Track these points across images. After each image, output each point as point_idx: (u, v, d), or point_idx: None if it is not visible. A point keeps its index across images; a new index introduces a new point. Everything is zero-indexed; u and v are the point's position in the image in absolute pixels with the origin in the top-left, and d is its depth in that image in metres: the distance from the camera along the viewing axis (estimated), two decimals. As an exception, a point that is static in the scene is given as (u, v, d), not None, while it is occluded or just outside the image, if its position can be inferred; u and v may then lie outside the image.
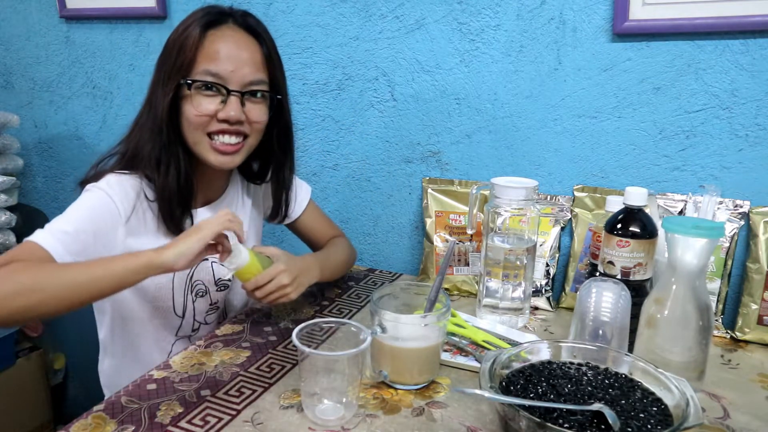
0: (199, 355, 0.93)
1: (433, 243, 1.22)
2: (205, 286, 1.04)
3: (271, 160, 1.04)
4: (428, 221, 1.23)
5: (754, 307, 0.99)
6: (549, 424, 0.63)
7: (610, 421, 0.66)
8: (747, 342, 1.00)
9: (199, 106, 0.89)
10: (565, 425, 0.66)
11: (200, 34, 0.88)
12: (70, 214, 0.86)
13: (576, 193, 1.16)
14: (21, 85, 1.75)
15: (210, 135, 0.91)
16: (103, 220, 0.88)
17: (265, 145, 1.00)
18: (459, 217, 1.20)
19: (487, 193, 1.15)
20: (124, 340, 1.04)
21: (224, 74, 0.88)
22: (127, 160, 0.93)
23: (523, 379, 0.75)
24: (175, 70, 0.88)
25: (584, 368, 0.78)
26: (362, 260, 1.43)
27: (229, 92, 0.89)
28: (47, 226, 0.84)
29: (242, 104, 0.90)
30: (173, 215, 0.93)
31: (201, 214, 1.00)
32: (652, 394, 0.73)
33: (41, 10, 1.65)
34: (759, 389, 0.85)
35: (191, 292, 1.02)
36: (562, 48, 1.13)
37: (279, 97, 0.96)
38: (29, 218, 1.65)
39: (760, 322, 0.98)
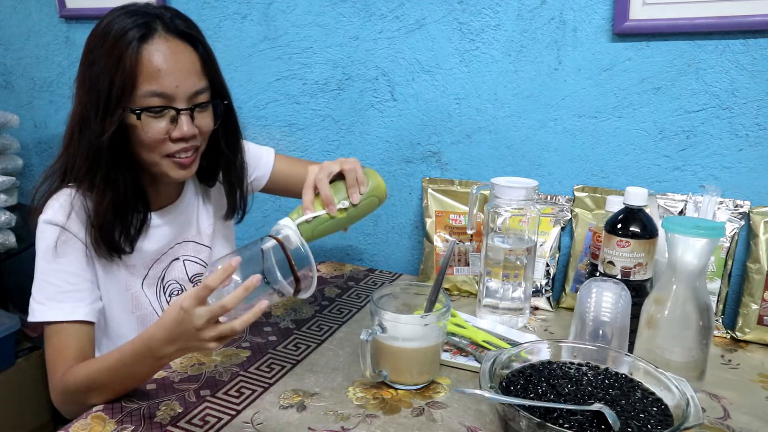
0: (198, 354, 0.93)
1: (433, 243, 1.22)
2: (180, 285, 1.02)
3: (220, 161, 1.00)
4: (428, 221, 1.23)
5: (755, 307, 0.99)
6: (549, 424, 0.63)
7: (610, 421, 0.66)
8: (747, 342, 1.00)
9: (151, 130, 0.85)
10: (565, 425, 0.66)
11: (136, 53, 0.82)
12: (46, 273, 0.87)
13: (576, 193, 1.16)
14: (21, 85, 1.75)
15: (166, 155, 0.88)
16: (80, 257, 0.89)
17: (212, 145, 0.96)
18: (459, 217, 1.20)
19: (487, 193, 1.15)
20: None
21: (169, 92, 0.84)
22: (63, 175, 0.90)
23: (523, 380, 0.75)
24: (116, 95, 0.82)
25: (584, 368, 0.78)
26: (362, 260, 1.43)
27: (178, 112, 0.85)
28: (40, 297, 0.86)
29: (192, 118, 0.87)
30: (109, 240, 0.90)
31: (155, 218, 0.97)
32: (653, 394, 0.73)
33: (41, 10, 1.65)
34: (759, 389, 0.85)
35: (164, 293, 1.00)
36: (562, 48, 1.13)
37: (226, 102, 0.93)
38: (29, 218, 1.65)
39: (761, 322, 0.98)
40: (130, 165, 0.89)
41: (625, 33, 1.06)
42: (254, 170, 1.13)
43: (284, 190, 1.18)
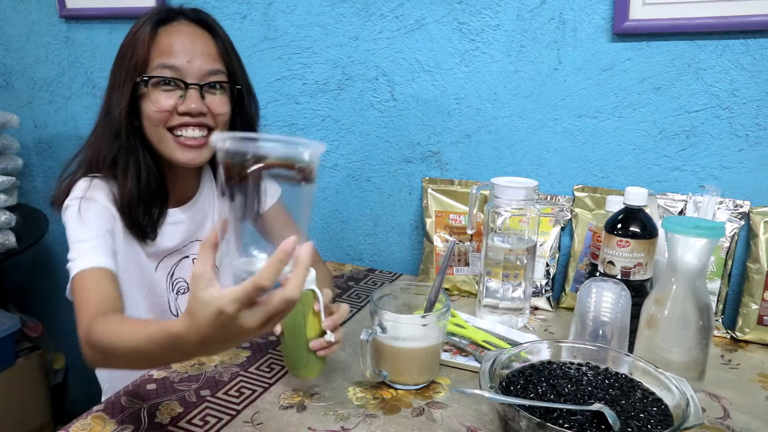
0: (198, 355, 0.93)
1: (433, 243, 1.22)
2: (187, 283, 1.02)
3: None
4: (428, 221, 1.23)
5: (755, 307, 0.99)
6: (549, 424, 0.63)
7: (610, 421, 0.66)
8: (747, 342, 1.00)
9: (158, 102, 0.87)
10: (565, 425, 0.66)
11: (151, 32, 0.88)
12: (76, 233, 0.86)
13: (576, 193, 1.16)
14: (21, 85, 1.75)
15: (172, 131, 0.89)
16: (102, 221, 0.88)
17: None
18: (459, 217, 1.20)
19: (487, 193, 1.15)
20: None
21: (181, 66, 0.87)
22: (88, 166, 0.92)
23: (523, 380, 0.75)
24: (131, 70, 0.87)
25: (584, 368, 0.78)
26: (362, 260, 1.43)
27: (187, 86, 0.88)
28: (70, 259, 0.84)
29: (202, 97, 0.89)
30: (135, 222, 0.91)
31: (173, 214, 0.98)
32: (653, 394, 0.73)
33: (41, 10, 1.64)
34: (759, 389, 0.85)
35: (173, 291, 1.01)
36: (562, 48, 1.13)
37: (239, 87, 0.94)
38: (29, 218, 1.65)
39: (761, 322, 0.98)
40: (150, 149, 0.91)
41: (625, 33, 1.06)
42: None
43: (264, 233, 1.08)
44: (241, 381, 0.86)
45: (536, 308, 1.12)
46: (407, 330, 0.80)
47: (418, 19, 1.23)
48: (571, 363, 0.79)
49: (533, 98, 1.17)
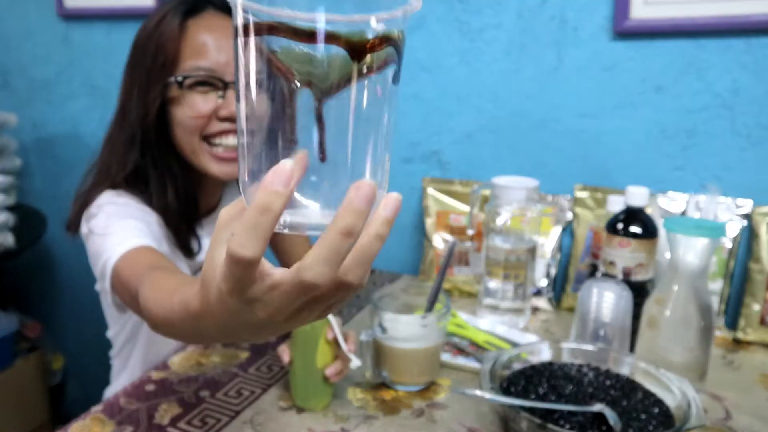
0: (197, 355, 0.93)
1: (433, 243, 1.22)
2: None
3: None
4: (428, 221, 1.23)
5: (757, 307, 0.98)
6: (550, 425, 0.63)
7: (611, 423, 0.65)
8: (749, 343, 0.99)
9: (195, 106, 0.77)
10: (566, 426, 0.66)
11: (180, 26, 0.77)
12: (104, 233, 0.75)
13: (577, 193, 1.15)
14: (19, 85, 1.74)
15: (208, 139, 0.80)
16: (140, 221, 0.78)
17: None
18: (459, 217, 1.20)
19: (487, 192, 1.15)
20: (143, 361, 0.97)
21: (217, 67, 0.77)
22: (104, 183, 0.83)
23: (524, 380, 0.75)
24: (157, 70, 0.77)
25: (585, 369, 0.78)
26: (362, 260, 1.42)
27: (227, 85, 0.77)
28: (103, 254, 0.74)
29: None
30: (181, 237, 0.85)
31: (204, 225, 0.92)
32: (654, 395, 0.72)
33: (39, 9, 1.64)
34: (761, 390, 0.85)
35: None
36: (563, 47, 1.12)
37: None
38: (27, 218, 1.65)
39: (763, 322, 0.98)
40: (176, 156, 0.83)
41: (626, 32, 1.06)
42: None
43: (275, 251, 1.11)
44: (241, 382, 0.85)
45: (537, 309, 1.12)
46: (407, 330, 0.80)
47: (419, 17, 1.22)
48: (572, 364, 0.79)
49: (534, 98, 1.17)
